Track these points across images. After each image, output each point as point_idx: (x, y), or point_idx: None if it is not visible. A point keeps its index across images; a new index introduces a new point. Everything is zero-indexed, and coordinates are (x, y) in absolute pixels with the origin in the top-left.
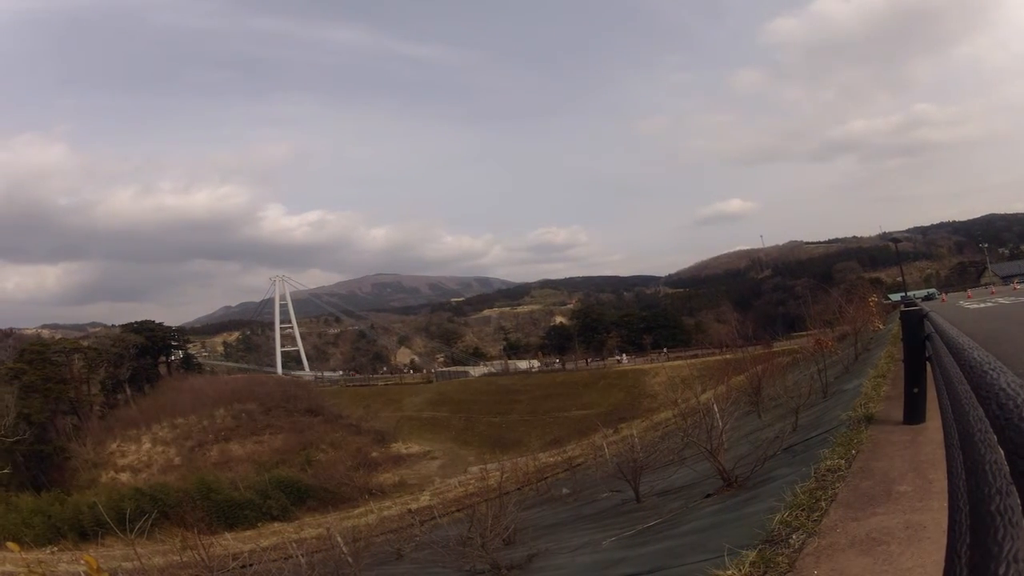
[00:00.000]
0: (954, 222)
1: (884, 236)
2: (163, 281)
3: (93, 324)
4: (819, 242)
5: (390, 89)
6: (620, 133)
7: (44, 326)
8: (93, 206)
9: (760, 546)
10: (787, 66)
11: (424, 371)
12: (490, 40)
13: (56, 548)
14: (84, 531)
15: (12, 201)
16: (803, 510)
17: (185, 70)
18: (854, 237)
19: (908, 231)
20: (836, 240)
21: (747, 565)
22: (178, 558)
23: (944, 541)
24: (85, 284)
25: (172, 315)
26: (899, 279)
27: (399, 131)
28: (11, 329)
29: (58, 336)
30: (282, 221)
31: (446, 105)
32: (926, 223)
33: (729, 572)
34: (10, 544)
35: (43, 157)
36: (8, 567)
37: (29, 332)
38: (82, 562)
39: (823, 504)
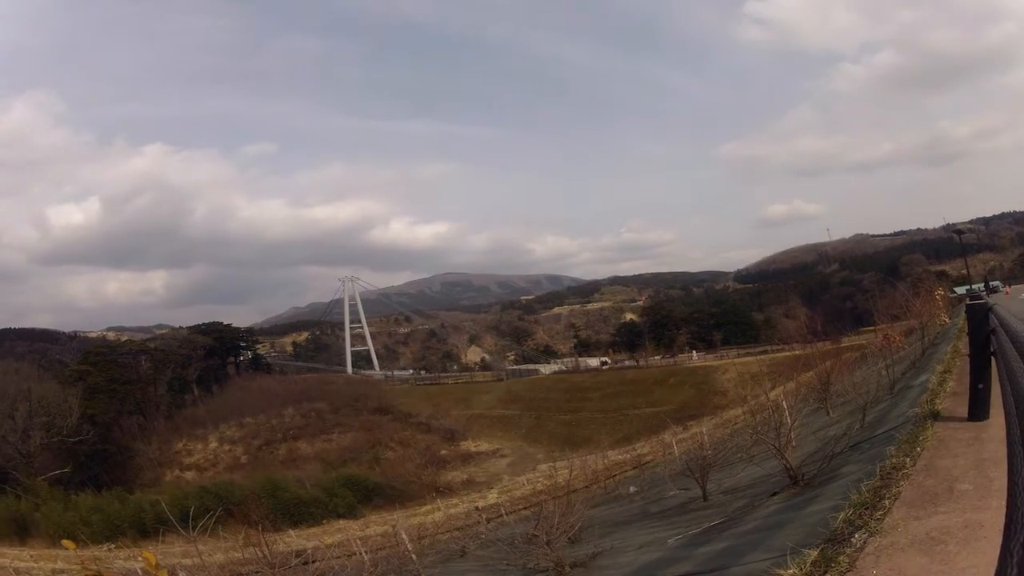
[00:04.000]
0: (1015, 212)
1: (948, 228)
2: (262, 286)
3: (159, 326)
4: (884, 235)
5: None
6: (697, 154)
7: (109, 328)
8: (228, 217)
9: (822, 545)
10: (825, 110)
11: (494, 369)
12: (579, 86)
13: (114, 545)
14: (144, 529)
15: (156, 209)
16: (867, 508)
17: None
18: (918, 229)
19: (971, 222)
20: (901, 232)
21: (808, 564)
22: (239, 555)
23: (1000, 540)
24: (184, 288)
25: (242, 316)
26: (964, 271)
27: (498, 155)
28: (75, 332)
29: (123, 339)
30: (400, 231)
31: (539, 128)
32: (988, 214)
33: (790, 571)
34: (65, 541)
35: (202, 174)
36: (60, 564)
37: (94, 335)
38: (140, 559)
39: (887, 503)
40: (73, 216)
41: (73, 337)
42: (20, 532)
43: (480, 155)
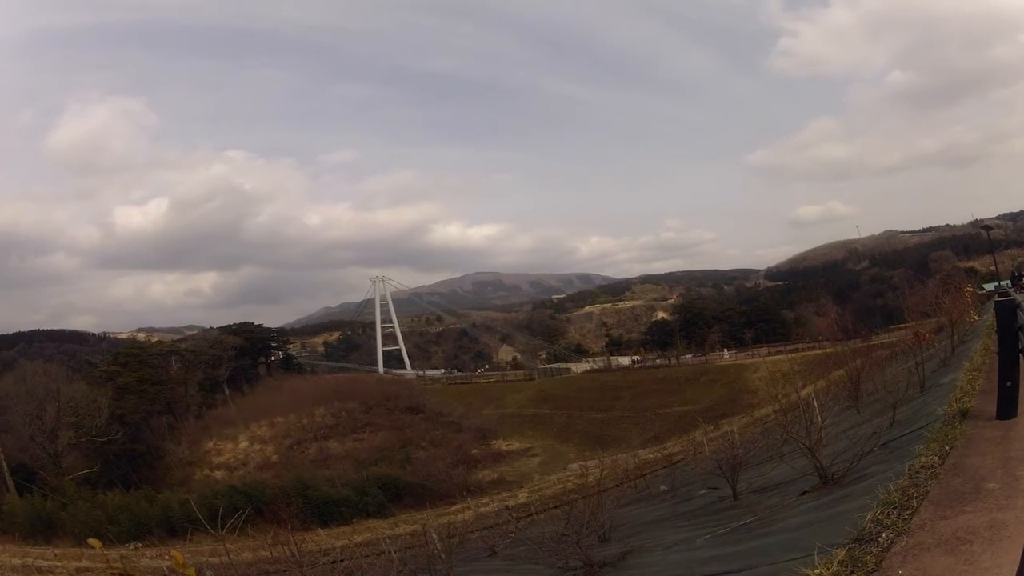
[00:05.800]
0: None
1: (976, 224)
2: (301, 286)
3: (190, 327)
4: (914, 231)
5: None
6: (730, 161)
7: (139, 329)
8: (291, 221)
9: (850, 545)
10: (848, 121)
11: (526, 368)
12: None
13: (141, 544)
14: (172, 528)
15: (221, 213)
16: (895, 508)
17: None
18: (947, 225)
19: (998, 218)
20: (930, 229)
21: (835, 564)
22: (267, 553)
23: (1023, 540)
24: (229, 289)
25: (276, 317)
26: (992, 268)
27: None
28: (105, 334)
29: (153, 339)
30: (454, 233)
31: (586, 140)
32: (1015, 209)
33: (817, 571)
34: (91, 540)
35: (276, 180)
36: (84, 563)
37: (123, 336)
38: (168, 557)
39: (915, 502)
40: (135, 218)
41: (102, 338)
42: (46, 531)
43: (535, 165)
